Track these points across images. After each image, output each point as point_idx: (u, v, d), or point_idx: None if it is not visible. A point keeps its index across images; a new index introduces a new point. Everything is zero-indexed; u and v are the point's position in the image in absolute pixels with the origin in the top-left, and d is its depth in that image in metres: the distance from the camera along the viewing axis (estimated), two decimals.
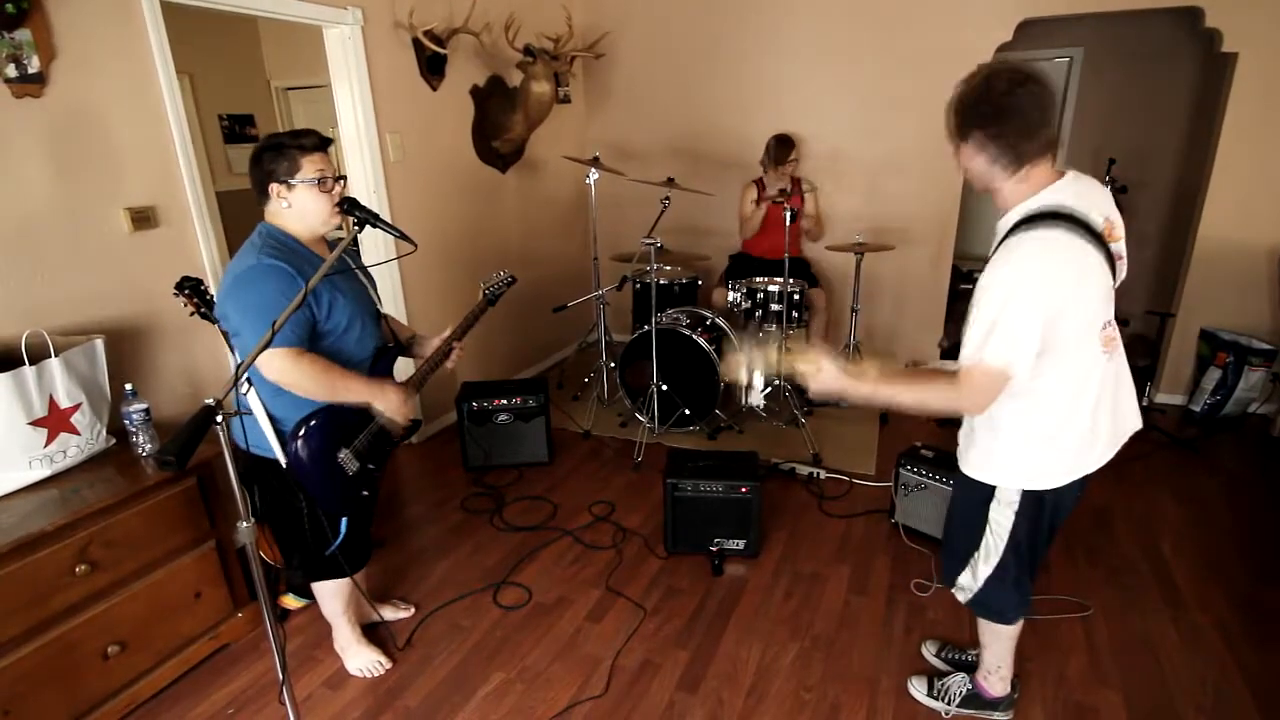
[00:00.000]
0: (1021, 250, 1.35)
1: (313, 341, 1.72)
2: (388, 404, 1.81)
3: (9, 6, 1.92)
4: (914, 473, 2.67)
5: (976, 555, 1.67)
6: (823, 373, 1.47)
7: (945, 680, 1.95)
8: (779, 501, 3.01)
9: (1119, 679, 2.03)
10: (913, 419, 3.76)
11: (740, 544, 2.61)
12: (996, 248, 1.42)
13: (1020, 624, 1.79)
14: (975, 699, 1.90)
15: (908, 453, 2.72)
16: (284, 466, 1.74)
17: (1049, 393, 1.45)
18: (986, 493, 1.60)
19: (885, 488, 3.00)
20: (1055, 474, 1.53)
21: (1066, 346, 1.40)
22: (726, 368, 1.49)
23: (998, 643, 1.83)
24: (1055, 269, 1.35)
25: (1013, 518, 1.58)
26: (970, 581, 1.71)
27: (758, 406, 1.53)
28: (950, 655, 2.09)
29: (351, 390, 1.75)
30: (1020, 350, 1.35)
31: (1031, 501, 1.56)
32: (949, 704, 1.92)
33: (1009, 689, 1.88)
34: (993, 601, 1.72)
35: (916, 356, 4.46)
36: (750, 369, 1.48)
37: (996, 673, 1.86)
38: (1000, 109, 1.34)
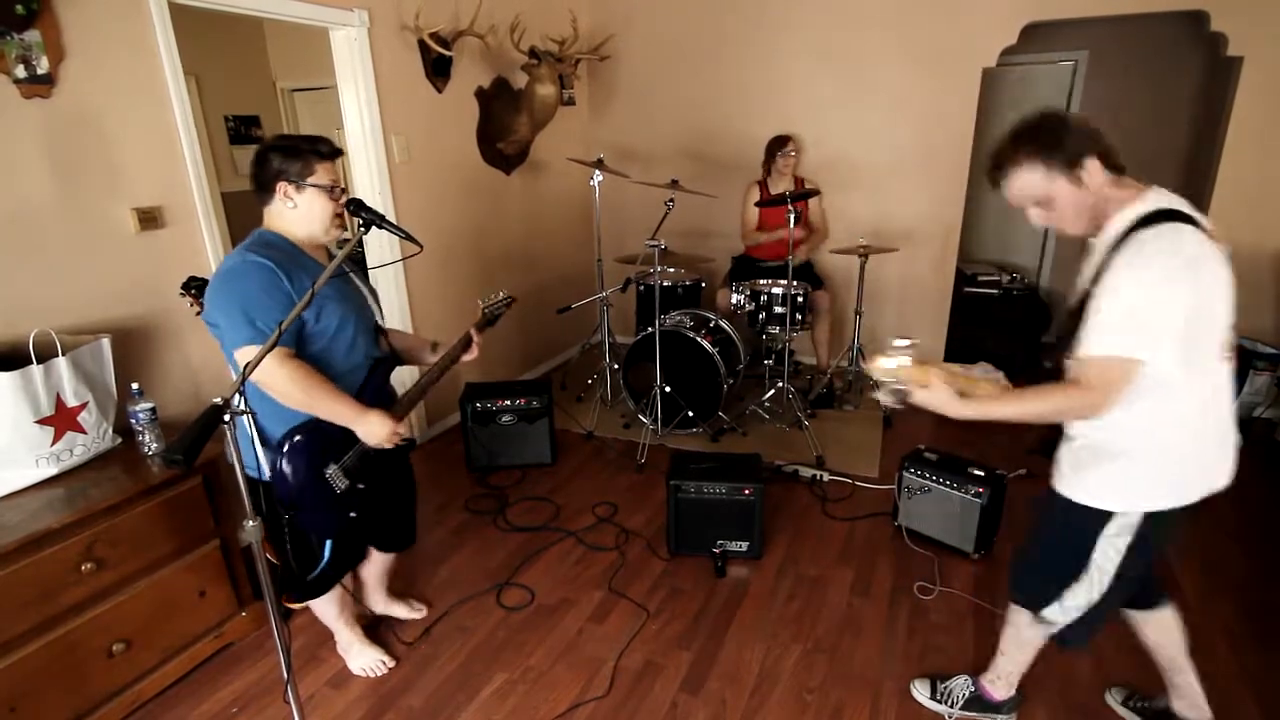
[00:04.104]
0: (1159, 243, 1.28)
1: (301, 345, 1.66)
2: (370, 432, 1.70)
3: (18, 7, 1.94)
4: (917, 475, 2.67)
5: (1075, 587, 1.54)
6: (932, 391, 1.40)
7: (948, 683, 1.95)
8: (782, 503, 3.01)
9: (1123, 683, 2.02)
10: (916, 422, 3.76)
11: (743, 546, 2.61)
12: (1111, 252, 1.34)
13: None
14: (978, 702, 1.90)
15: (911, 455, 2.72)
16: (266, 481, 1.65)
17: (1186, 400, 1.36)
18: (1099, 520, 1.46)
19: (888, 490, 3.00)
20: (1188, 489, 1.42)
21: (1203, 349, 1.33)
22: (871, 363, 1.45)
23: (1020, 653, 1.79)
24: (1196, 263, 1.28)
25: (1126, 548, 1.46)
26: (1059, 615, 1.59)
27: (887, 404, 1.50)
28: (1139, 705, 1.94)
29: (334, 408, 1.66)
30: (1162, 341, 1.28)
31: (1153, 524, 1.44)
32: (952, 707, 1.91)
33: (1013, 692, 1.88)
34: (1072, 635, 1.61)
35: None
36: (886, 368, 1.41)
37: (1005, 678, 1.86)
38: (1094, 128, 1.38)
